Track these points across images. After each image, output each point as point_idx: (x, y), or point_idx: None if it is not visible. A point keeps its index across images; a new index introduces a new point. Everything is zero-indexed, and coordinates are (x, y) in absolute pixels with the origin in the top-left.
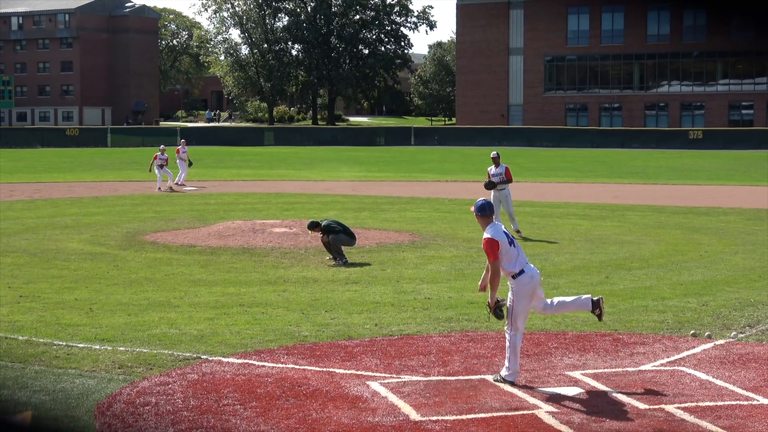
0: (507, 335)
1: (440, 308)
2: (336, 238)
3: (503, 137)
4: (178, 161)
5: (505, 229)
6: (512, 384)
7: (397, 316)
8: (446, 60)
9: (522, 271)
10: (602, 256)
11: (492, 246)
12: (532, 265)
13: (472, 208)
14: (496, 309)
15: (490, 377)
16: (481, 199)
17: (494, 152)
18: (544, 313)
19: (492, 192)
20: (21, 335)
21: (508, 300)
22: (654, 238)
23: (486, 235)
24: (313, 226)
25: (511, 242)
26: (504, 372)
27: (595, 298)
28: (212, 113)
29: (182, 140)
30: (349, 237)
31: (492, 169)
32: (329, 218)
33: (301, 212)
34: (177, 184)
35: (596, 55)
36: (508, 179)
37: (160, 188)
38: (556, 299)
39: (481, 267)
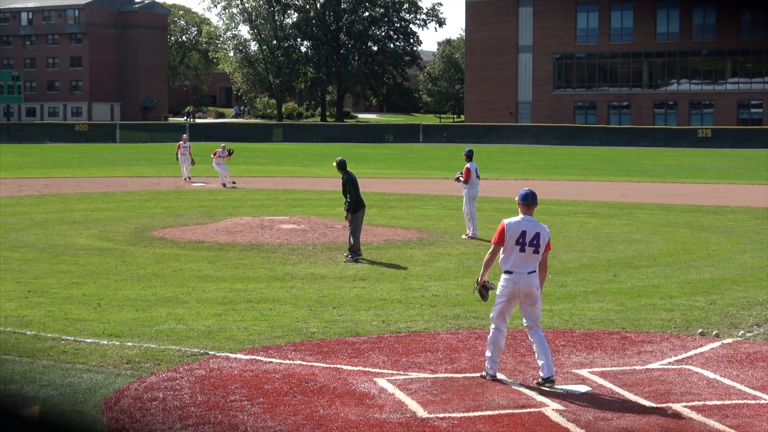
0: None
1: (448, 305)
2: (357, 219)
3: (512, 135)
4: (180, 158)
5: (528, 228)
6: (492, 378)
7: (404, 313)
8: (455, 57)
9: (509, 272)
10: (610, 254)
11: (499, 230)
12: (528, 275)
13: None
14: (482, 288)
15: (498, 375)
16: (525, 188)
17: (467, 149)
18: (527, 331)
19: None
20: (29, 330)
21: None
22: (662, 236)
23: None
24: (342, 165)
25: (524, 244)
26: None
27: (549, 376)
28: (239, 108)
29: (184, 135)
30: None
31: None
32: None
33: (309, 209)
34: (185, 179)
35: (605, 53)
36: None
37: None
38: (538, 338)
39: None
